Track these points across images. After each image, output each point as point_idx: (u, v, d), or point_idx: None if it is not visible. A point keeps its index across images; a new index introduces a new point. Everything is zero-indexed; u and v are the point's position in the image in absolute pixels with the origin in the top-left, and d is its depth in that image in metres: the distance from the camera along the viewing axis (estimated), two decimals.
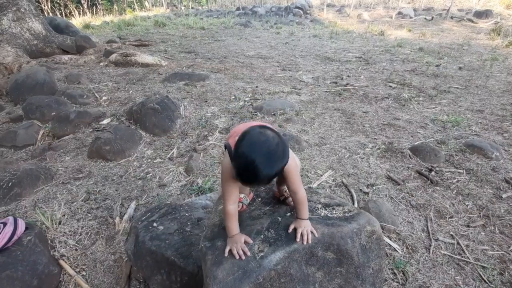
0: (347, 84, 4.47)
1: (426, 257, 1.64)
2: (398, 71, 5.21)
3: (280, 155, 0.93)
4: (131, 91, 4.36)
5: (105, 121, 3.51)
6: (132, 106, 3.50)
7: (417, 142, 2.75)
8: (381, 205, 1.89)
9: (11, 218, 1.66)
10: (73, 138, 3.22)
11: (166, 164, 2.69)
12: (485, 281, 1.51)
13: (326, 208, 1.31)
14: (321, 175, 2.34)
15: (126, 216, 2.09)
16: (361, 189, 2.15)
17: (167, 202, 2.11)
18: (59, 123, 3.34)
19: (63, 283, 1.67)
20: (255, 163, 0.88)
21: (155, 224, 1.59)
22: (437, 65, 5.56)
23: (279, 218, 1.22)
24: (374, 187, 2.17)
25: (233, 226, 1.07)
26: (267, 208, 1.31)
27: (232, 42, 8.16)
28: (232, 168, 0.95)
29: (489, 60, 5.84)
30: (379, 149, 2.69)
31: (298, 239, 1.07)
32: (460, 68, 5.40)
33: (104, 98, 4.18)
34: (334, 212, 1.28)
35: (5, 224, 1.60)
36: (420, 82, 4.61)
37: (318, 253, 1.11)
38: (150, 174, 2.54)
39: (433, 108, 3.64)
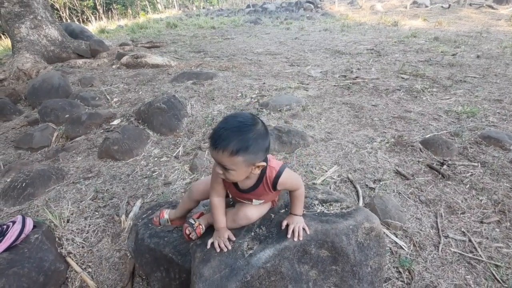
0: (357, 77, 4.35)
1: (435, 255, 1.56)
2: (411, 62, 5.01)
3: (251, 138, 0.92)
4: (140, 92, 4.44)
5: (115, 122, 3.59)
6: (140, 106, 3.56)
7: (429, 135, 2.63)
8: (387, 201, 1.82)
9: (19, 217, 1.72)
10: (85, 139, 3.32)
11: (172, 162, 2.71)
12: (498, 280, 1.42)
13: (323, 204, 1.27)
14: (326, 171, 2.29)
15: (131, 214, 2.13)
16: (367, 185, 2.08)
17: (170, 200, 2.13)
18: (72, 125, 3.45)
19: (69, 279, 1.72)
20: (224, 128, 0.92)
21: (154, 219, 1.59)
22: (453, 54, 5.30)
23: (272, 215, 1.19)
24: (381, 183, 2.09)
25: (218, 218, 1.06)
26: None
27: (241, 40, 8.14)
28: None
29: (510, 47, 5.50)
30: (388, 143, 2.59)
31: (289, 235, 1.04)
32: (478, 56, 5.12)
33: (115, 99, 4.28)
34: (331, 209, 1.24)
35: (14, 222, 1.67)
36: (434, 72, 4.41)
37: (312, 250, 1.07)
38: (156, 173, 2.57)
39: (448, 99, 3.47)
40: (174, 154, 2.82)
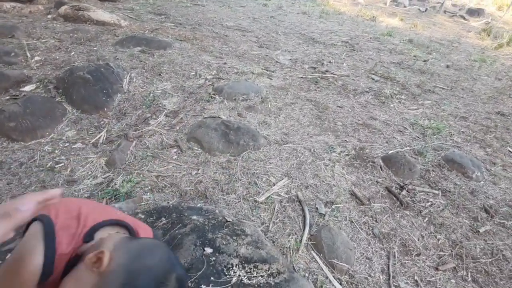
0: (327, 71, 3.99)
1: None
2: (383, 62, 4.78)
3: None
4: (73, 53, 3.62)
5: (27, 88, 2.83)
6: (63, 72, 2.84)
7: (392, 151, 2.37)
8: (336, 236, 1.50)
9: None
10: None
11: (87, 151, 2.14)
12: None
13: (245, 265, 0.88)
14: (274, 184, 1.92)
15: None
16: (317, 208, 1.75)
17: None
18: None
19: None
20: None
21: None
22: (424, 60, 5.18)
23: None
24: (333, 206, 1.78)
25: None
26: None
27: (212, 8, 7.31)
28: None
29: (478, 61, 5.53)
30: (348, 155, 2.28)
31: None
32: (447, 66, 5.05)
33: (36, 58, 3.43)
34: (255, 275, 0.85)
35: None
36: (405, 77, 4.21)
37: None
38: (60, 165, 2.00)
39: (415, 109, 3.27)
40: (93, 141, 2.24)
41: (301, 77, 3.71)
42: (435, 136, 2.71)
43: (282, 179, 1.97)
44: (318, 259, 1.43)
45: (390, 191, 1.96)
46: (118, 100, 2.72)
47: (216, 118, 2.45)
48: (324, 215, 1.69)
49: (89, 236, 0.62)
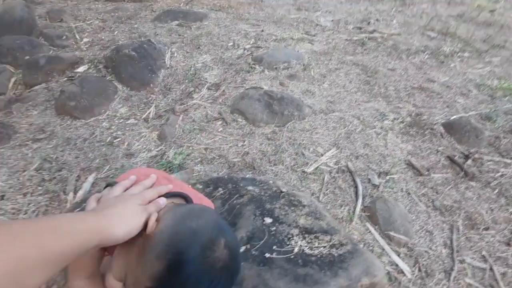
0: (374, 30, 3.62)
1: (444, 287, 1.22)
2: (441, 16, 4.19)
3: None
4: (116, 32, 3.74)
5: (81, 69, 3.02)
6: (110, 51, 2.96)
7: (454, 116, 2.13)
8: (393, 208, 1.43)
9: None
10: (44, 89, 2.80)
11: (140, 126, 2.26)
12: None
13: (305, 236, 0.87)
14: (322, 155, 1.86)
15: (81, 192, 1.76)
16: (370, 179, 1.67)
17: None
18: (29, 70, 2.89)
19: None
20: None
21: None
22: (491, 11, 4.43)
23: None
24: (388, 177, 1.68)
25: None
26: None
27: None
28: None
29: None
30: (402, 122, 2.11)
31: None
32: None
33: (85, 39, 3.61)
34: (316, 246, 0.84)
35: None
36: (467, 31, 3.66)
37: None
38: (118, 139, 2.14)
39: (481, 68, 2.86)
40: (144, 116, 2.35)
41: (346, 40, 3.42)
42: (506, 98, 2.37)
43: (330, 149, 1.90)
44: (373, 231, 1.38)
45: (452, 160, 1.79)
46: (162, 76, 2.78)
47: (258, 89, 2.40)
48: (378, 186, 1.61)
49: None
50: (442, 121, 2.08)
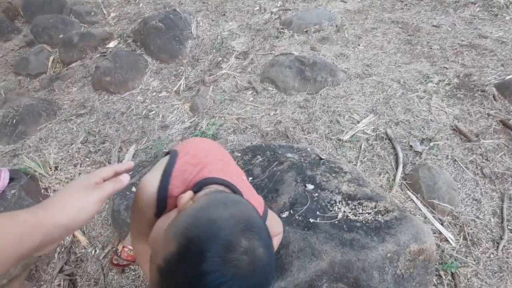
0: None
1: (492, 256, 1.18)
2: None
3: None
4: (141, 4, 3.71)
5: (111, 44, 3.07)
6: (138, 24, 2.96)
7: (510, 76, 1.90)
8: (438, 175, 1.35)
9: None
10: (80, 66, 2.91)
11: (172, 99, 2.30)
12: None
13: (349, 202, 0.86)
14: (358, 122, 1.78)
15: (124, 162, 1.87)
16: (411, 146, 1.58)
17: (164, 150, 1.81)
18: (64, 48, 3.00)
19: None
20: None
21: (133, 189, 1.31)
22: None
23: None
24: (431, 143, 1.58)
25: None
26: None
27: None
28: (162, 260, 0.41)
29: None
30: (448, 84, 1.93)
31: None
32: None
33: (112, 14, 3.64)
34: (361, 212, 0.83)
35: None
36: None
37: (322, 286, 0.71)
38: (153, 112, 2.21)
39: None
40: (175, 88, 2.38)
41: None
42: None
43: (367, 115, 1.81)
44: (415, 199, 1.34)
45: (506, 125, 1.62)
46: (190, 47, 2.75)
47: (289, 55, 2.29)
48: (421, 153, 1.53)
49: (198, 186, 0.60)
50: (495, 82, 1.87)
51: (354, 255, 0.72)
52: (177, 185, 0.60)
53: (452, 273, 1.14)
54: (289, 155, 1.03)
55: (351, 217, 0.81)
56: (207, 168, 0.62)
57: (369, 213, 0.81)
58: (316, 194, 0.86)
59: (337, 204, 0.84)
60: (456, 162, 1.49)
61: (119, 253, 1.19)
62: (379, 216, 0.81)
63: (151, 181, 0.61)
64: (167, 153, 0.67)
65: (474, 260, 1.17)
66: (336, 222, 0.79)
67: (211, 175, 0.61)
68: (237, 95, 2.17)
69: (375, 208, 0.83)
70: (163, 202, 0.60)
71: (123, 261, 1.19)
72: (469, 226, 1.26)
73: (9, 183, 1.54)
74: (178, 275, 0.38)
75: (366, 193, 0.88)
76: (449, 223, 1.27)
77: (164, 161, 0.64)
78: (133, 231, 0.69)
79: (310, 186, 0.88)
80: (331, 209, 0.83)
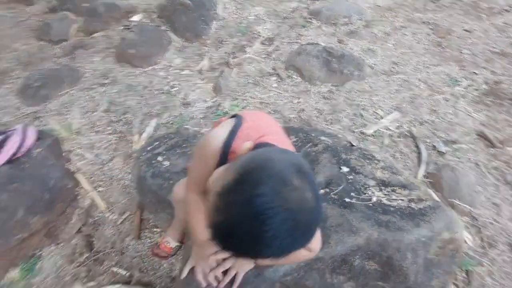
0: None
1: (506, 258, 1.19)
2: None
3: (308, 234, 0.45)
4: None
5: (135, 18, 3.06)
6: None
7: None
8: (461, 176, 1.36)
9: (19, 127, 1.53)
10: (103, 36, 2.91)
11: (195, 78, 2.30)
12: None
13: (382, 188, 0.87)
14: (382, 118, 1.78)
15: (145, 135, 1.90)
16: (435, 146, 1.58)
17: (185, 126, 1.83)
18: (89, 17, 3.00)
19: (79, 197, 1.63)
20: (267, 233, 0.39)
21: (159, 158, 1.33)
22: None
23: None
24: (455, 145, 1.58)
25: (198, 226, 0.69)
26: None
27: None
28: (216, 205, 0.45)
29: None
30: (477, 89, 1.91)
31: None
32: None
33: None
34: (394, 198, 0.84)
35: (13, 132, 1.49)
36: None
37: (354, 262, 0.73)
38: (175, 89, 2.21)
39: None
40: (198, 68, 2.38)
41: None
42: None
43: (392, 112, 1.80)
44: (435, 197, 1.34)
45: None
46: (215, 28, 2.73)
47: (316, 45, 2.27)
48: (444, 154, 1.53)
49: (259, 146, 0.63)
50: None
51: (390, 235, 0.73)
52: (239, 145, 0.63)
53: (467, 270, 1.16)
54: (323, 137, 1.04)
55: (385, 201, 0.82)
56: (268, 136, 0.66)
57: (402, 200, 0.82)
58: (351, 177, 0.87)
59: (371, 188, 0.86)
60: (479, 167, 1.49)
61: (158, 244, 1.23)
62: (413, 203, 0.82)
63: (220, 135, 0.65)
64: (232, 116, 0.69)
65: (489, 261, 1.19)
66: (371, 204, 0.81)
67: (270, 142, 0.64)
68: (260, 80, 2.17)
69: (409, 196, 0.84)
70: (225, 156, 0.64)
71: (162, 251, 1.22)
72: (486, 229, 1.27)
73: (35, 142, 1.56)
74: (233, 195, 0.42)
75: (400, 181, 0.89)
76: (467, 224, 1.28)
77: (231, 122, 0.67)
78: (190, 179, 0.72)
79: (345, 169, 0.89)
80: (365, 192, 0.84)
